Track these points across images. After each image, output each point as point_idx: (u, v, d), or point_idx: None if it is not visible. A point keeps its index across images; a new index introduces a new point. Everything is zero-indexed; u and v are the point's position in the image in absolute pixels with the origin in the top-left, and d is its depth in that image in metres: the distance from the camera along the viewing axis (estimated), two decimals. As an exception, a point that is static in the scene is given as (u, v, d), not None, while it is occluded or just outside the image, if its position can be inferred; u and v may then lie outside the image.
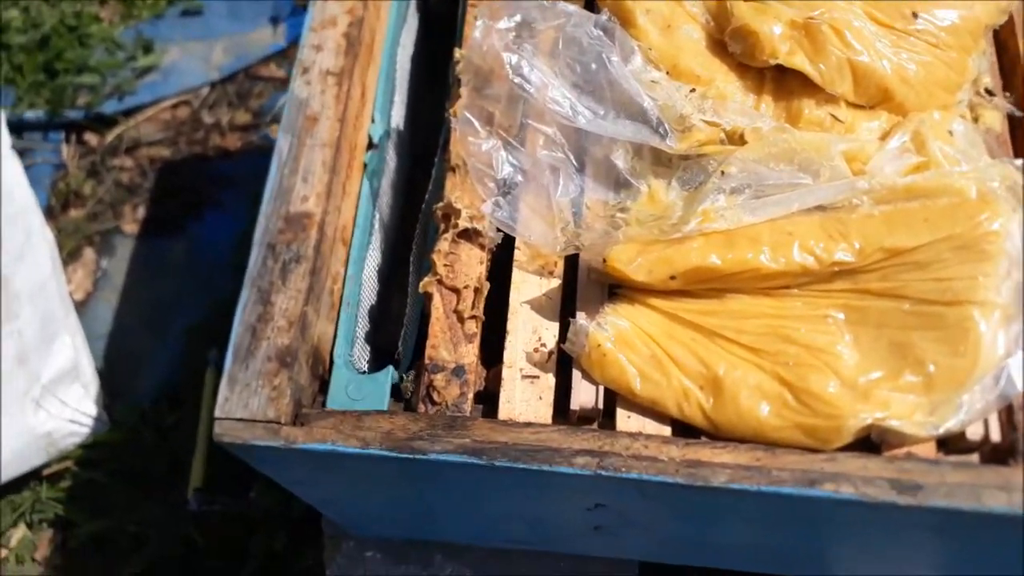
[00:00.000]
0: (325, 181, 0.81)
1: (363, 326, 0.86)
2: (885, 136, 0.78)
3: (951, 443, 0.74)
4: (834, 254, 0.72)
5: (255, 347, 0.74)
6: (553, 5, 0.79)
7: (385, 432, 0.72)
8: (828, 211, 0.75)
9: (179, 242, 1.73)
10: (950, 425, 0.71)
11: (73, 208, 1.76)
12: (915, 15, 0.80)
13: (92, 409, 1.46)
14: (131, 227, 1.76)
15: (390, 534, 1.18)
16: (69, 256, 1.71)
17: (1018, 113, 0.85)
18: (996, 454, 0.74)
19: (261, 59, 1.92)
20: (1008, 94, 0.87)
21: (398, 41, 0.99)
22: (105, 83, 1.85)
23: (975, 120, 0.84)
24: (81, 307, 1.66)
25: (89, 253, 1.73)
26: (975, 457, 0.74)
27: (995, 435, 0.73)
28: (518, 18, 0.79)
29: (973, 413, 0.71)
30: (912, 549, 0.93)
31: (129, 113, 1.85)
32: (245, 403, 0.73)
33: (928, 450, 0.74)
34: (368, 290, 0.88)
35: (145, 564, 1.39)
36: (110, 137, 1.83)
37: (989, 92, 0.85)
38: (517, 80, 0.76)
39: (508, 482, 0.76)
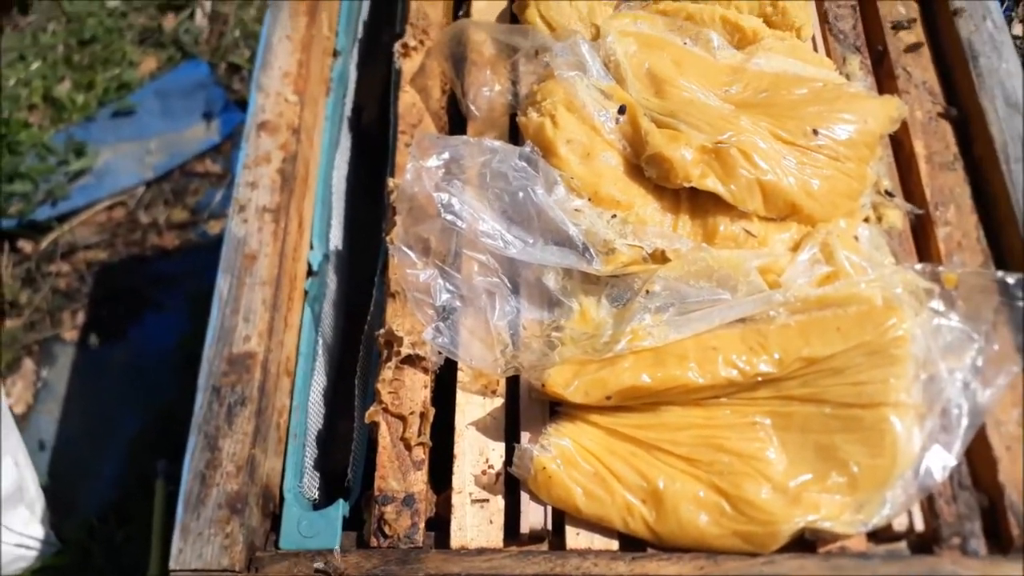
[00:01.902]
0: (267, 319, 0.83)
1: (311, 453, 0.88)
2: (796, 247, 0.83)
3: (880, 534, 0.79)
4: (757, 366, 0.77)
5: (205, 495, 0.75)
6: (479, 141, 0.84)
7: (340, 573, 0.73)
8: (748, 323, 0.80)
9: (120, 347, 1.72)
10: (877, 521, 0.75)
11: (9, 319, 1.74)
12: (815, 132, 0.86)
13: (39, 531, 1.42)
14: (71, 334, 1.75)
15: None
16: (7, 368, 1.68)
17: (916, 211, 0.91)
18: (922, 542, 0.78)
19: (196, 155, 1.94)
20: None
21: (332, 165, 1.02)
22: (37, 189, 1.84)
23: (879, 220, 0.91)
24: (22, 420, 1.63)
25: (28, 364, 1.71)
26: (903, 546, 0.79)
27: (919, 524, 0.77)
28: (446, 155, 0.83)
29: (897, 507, 0.76)
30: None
31: (63, 218, 1.84)
32: (199, 553, 0.73)
33: (860, 542, 0.78)
34: (314, 416, 0.90)
35: None
36: (45, 243, 1.82)
37: (889, 193, 0.91)
38: (449, 217, 0.80)
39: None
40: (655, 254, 0.83)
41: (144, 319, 1.74)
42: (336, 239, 1.00)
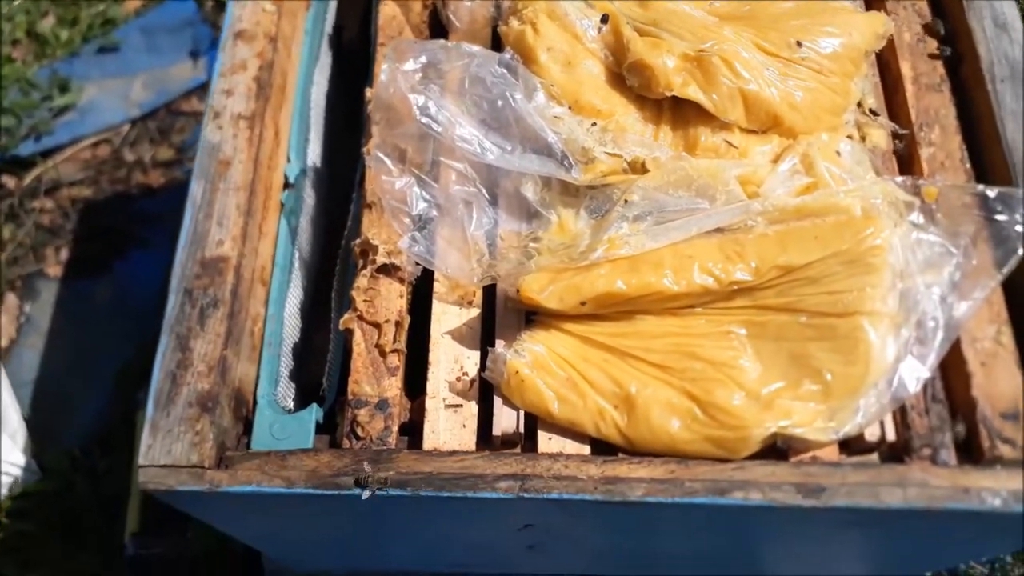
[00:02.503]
0: (240, 224, 0.82)
1: (287, 364, 0.87)
2: (777, 159, 0.83)
3: (852, 444, 0.79)
4: (732, 274, 0.76)
5: (176, 393, 0.75)
6: (458, 45, 0.82)
7: (310, 470, 0.73)
8: (726, 233, 0.79)
9: (105, 283, 1.71)
10: (848, 429, 0.75)
11: (-8, 253, 1.73)
12: (799, 44, 0.85)
13: (20, 459, 1.42)
14: (54, 270, 1.73)
15: (331, 566, 1.19)
16: (-10, 303, 1.67)
17: (901, 131, 0.91)
18: (893, 452, 0.78)
19: (182, 94, 1.91)
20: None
21: (311, 80, 1.01)
22: (21, 124, 1.82)
23: (862, 139, 0.90)
24: (5, 354, 1.62)
25: (11, 298, 1.70)
26: (875, 457, 0.79)
27: (891, 435, 0.77)
28: (424, 59, 0.82)
29: (870, 416, 0.76)
30: (830, 545, 0.98)
31: (47, 154, 1.82)
32: (168, 449, 0.73)
33: (832, 453, 0.78)
34: (290, 328, 0.89)
35: (81, 615, 1.36)
36: (28, 179, 1.80)
37: (873, 112, 0.90)
38: (424, 120, 0.79)
39: (436, 510, 0.78)
40: (635, 166, 0.83)
41: (129, 256, 1.73)
42: (314, 155, 0.99)
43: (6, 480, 1.39)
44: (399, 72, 0.79)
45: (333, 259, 0.93)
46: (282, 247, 0.90)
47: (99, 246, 1.74)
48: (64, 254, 1.75)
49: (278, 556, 1.12)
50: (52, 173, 1.81)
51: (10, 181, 1.80)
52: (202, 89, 1.92)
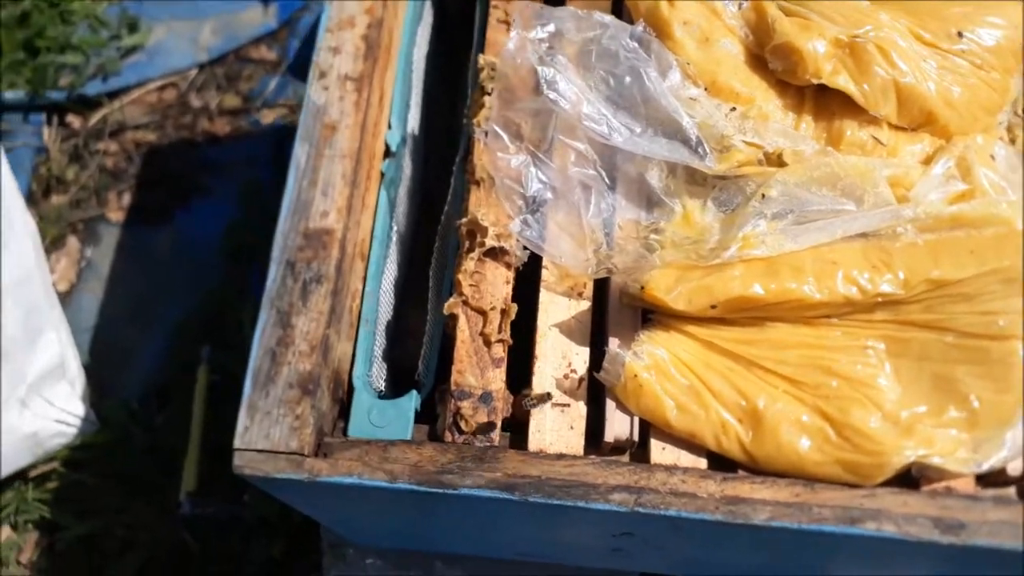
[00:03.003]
0: (346, 195, 0.77)
1: (380, 343, 0.83)
2: (928, 160, 0.76)
3: (989, 477, 0.73)
4: (879, 285, 0.70)
5: (276, 373, 0.71)
6: (589, 15, 0.76)
7: (413, 464, 0.69)
8: (871, 238, 0.73)
9: (166, 231, 1.67)
10: (993, 462, 0.70)
11: (55, 194, 1.70)
12: (960, 34, 0.77)
13: (79, 408, 1.41)
14: (116, 215, 1.70)
15: (392, 545, 1.16)
16: (52, 245, 1.64)
17: (1056, 135, 0.83)
18: (1034, 489, 0.73)
19: (251, 40, 1.85)
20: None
21: (414, 40, 0.95)
22: (88, 63, 1.77)
23: (1011, 141, 0.82)
24: (65, 299, 1.60)
25: (73, 242, 1.67)
26: (1012, 491, 0.73)
27: (1034, 471, 0.72)
28: (551, 27, 0.75)
29: (1016, 449, 0.70)
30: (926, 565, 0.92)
31: (113, 95, 1.77)
32: (266, 433, 0.69)
33: (967, 484, 0.72)
34: (385, 305, 0.85)
35: (135, 568, 1.35)
36: (94, 120, 1.76)
37: (1028, 113, 0.83)
38: (552, 95, 0.73)
39: (536, 513, 0.74)
40: (771, 158, 0.76)
41: (192, 204, 1.69)
42: (413, 122, 0.93)
43: (65, 430, 1.38)
44: (527, 41, 0.73)
45: (426, 234, 0.88)
46: (381, 219, 0.85)
47: (162, 193, 1.70)
48: (127, 199, 1.71)
49: (345, 534, 1.10)
50: (118, 115, 1.77)
51: (75, 121, 1.76)
52: (271, 37, 1.86)
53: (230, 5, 1.88)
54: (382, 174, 0.86)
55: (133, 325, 1.59)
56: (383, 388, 0.82)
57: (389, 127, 0.89)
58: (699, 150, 0.74)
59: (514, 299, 0.79)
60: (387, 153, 0.88)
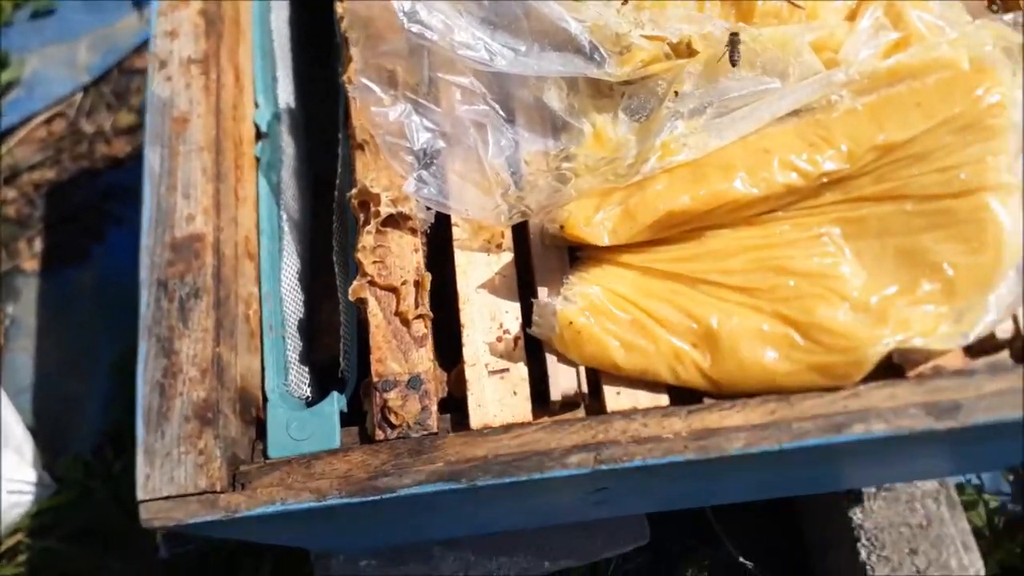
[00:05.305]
0: (210, 192, 0.68)
1: (294, 346, 0.74)
2: (853, 16, 0.67)
3: (978, 345, 0.66)
4: (822, 164, 0.62)
5: (167, 409, 0.62)
6: (438, -72, 0.66)
7: (342, 475, 0.61)
8: (804, 115, 0.64)
9: (86, 270, 1.57)
10: (980, 330, 0.62)
11: (-40, 256, 1.58)
12: None
13: (31, 474, 1.32)
14: (31, 264, 1.59)
15: (376, 547, 1.08)
16: (-32, 310, 1.53)
17: (986, -40, 0.74)
18: (1029, 351, 0.65)
19: (132, 50, 1.73)
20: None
21: (269, 7, 0.84)
22: (-37, 111, 1.65)
23: (942, -24, 0.74)
24: (-5, 363, 1.50)
25: (-10, 302, 1.56)
26: (1006, 356, 0.66)
27: (1027, 330, 0.64)
28: (399, -48, 0.65)
29: (1003, 310, 0.63)
30: (927, 454, 0.86)
31: (-1, 138, 1.65)
32: (170, 476, 0.61)
33: (955, 358, 0.65)
34: (292, 304, 0.76)
35: (125, 625, 1.27)
36: (-17, 169, 1.64)
37: (951, -59, 0.74)
38: (415, 28, 0.63)
39: (497, 493, 0.66)
40: (680, 49, 0.67)
41: (107, 237, 1.58)
42: (286, 95, 0.83)
43: (21, 499, 1.29)
44: (372, -27, 0.63)
45: (326, 217, 0.78)
46: (266, 210, 0.75)
47: (73, 231, 1.59)
48: (38, 245, 1.60)
49: (323, 550, 1.02)
50: (8, 159, 1.65)
51: (-36, 175, 1.64)
52: (153, 42, 1.73)
53: (102, 18, 1.74)
54: (257, 159, 0.77)
55: (72, 375, 1.49)
56: (308, 394, 0.73)
57: (257, 106, 0.79)
58: (595, 57, 0.65)
59: (429, 267, 0.70)
60: (259, 135, 0.78)
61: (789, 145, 0.62)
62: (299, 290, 0.78)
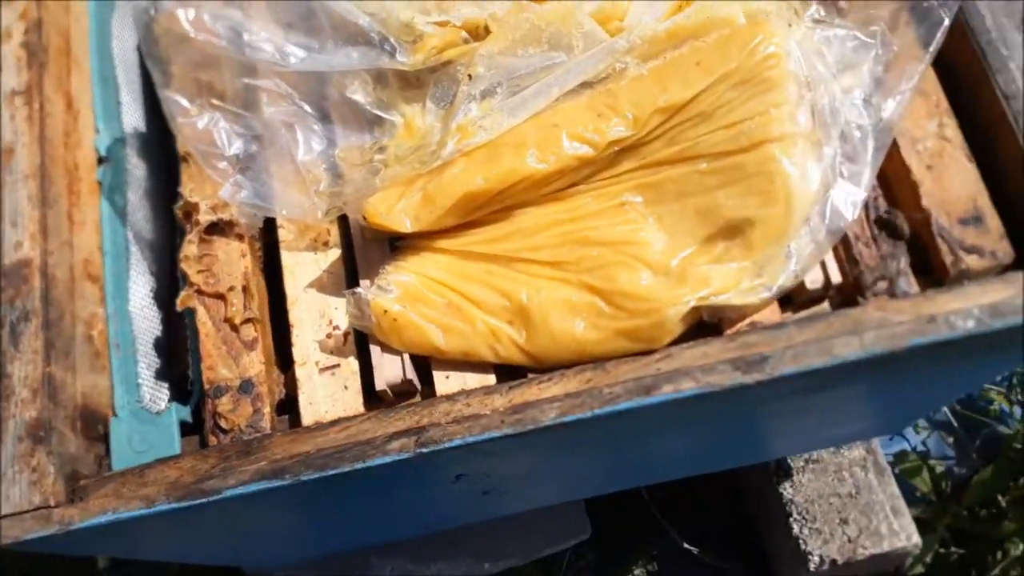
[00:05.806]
0: (36, 218, 0.69)
1: (150, 364, 0.75)
2: (637, -16, 0.68)
3: (795, 299, 0.67)
4: (607, 133, 0.63)
5: (1, 431, 0.63)
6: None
7: (171, 482, 0.62)
8: (596, 87, 0.65)
9: None
10: (783, 281, 0.63)
11: None
12: None
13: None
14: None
15: (300, 559, 1.10)
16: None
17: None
18: (844, 296, 0.66)
19: None
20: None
21: (109, 32, 0.86)
22: None
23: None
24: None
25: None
26: (826, 307, 0.67)
27: (836, 276, 0.65)
28: (186, -35, 0.67)
29: (805, 260, 0.64)
30: (809, 415, 0.87)
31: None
32: (6, 496, 0.62)
33: (773, 313, 0.66)
34: (146, 322, 0.77)
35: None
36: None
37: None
38: (202, 37, 0.65)
39: (338, 488, 0.67)
40: (478, 32, 0.68)
41: None
42: (135, 119, 0.84)
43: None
44: (159, -10, 0.65)
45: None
46: (110, 232, 0.77)
47: None
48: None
49: (246, 565, 1.04)
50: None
51: None
52: None
53: None
54: (100, 183, 0.78)
55: None
56: (167, 409, 0.75)
57: (98, 132, 0.80)
58: (386, 47, 0.66)
59: (265, 271, 0.72)
60: (101, 160, 0.79)
61: (578, 118, 0.63)
62: (154, 308, 0.79)
